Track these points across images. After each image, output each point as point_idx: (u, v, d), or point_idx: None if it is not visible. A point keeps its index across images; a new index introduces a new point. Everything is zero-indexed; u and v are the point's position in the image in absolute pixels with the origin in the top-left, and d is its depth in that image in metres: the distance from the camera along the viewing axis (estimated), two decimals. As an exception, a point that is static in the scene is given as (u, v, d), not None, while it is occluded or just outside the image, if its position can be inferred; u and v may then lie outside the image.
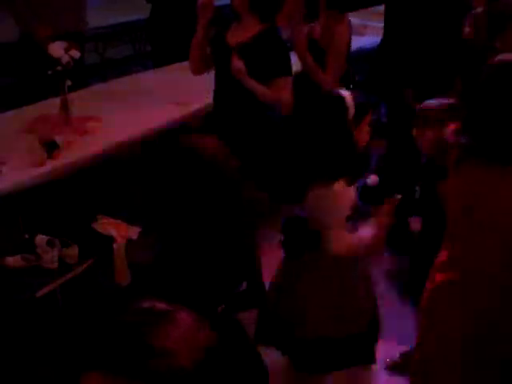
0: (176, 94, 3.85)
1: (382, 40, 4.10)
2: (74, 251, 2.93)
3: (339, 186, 2.29)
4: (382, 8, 6.92)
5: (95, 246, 3.00)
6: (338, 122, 2.33)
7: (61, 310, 2.93)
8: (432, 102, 2.67)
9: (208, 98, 3.76)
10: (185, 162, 2.11)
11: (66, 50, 3.12)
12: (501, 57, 1.89)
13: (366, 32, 5.75)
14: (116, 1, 7.01)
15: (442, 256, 2.08)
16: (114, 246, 3.03)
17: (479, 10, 3.44)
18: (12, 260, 2.89)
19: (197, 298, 2.08)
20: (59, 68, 3.11)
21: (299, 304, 2.41)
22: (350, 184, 2.32)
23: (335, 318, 2.40)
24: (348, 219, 2.35)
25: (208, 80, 4.12)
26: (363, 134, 2.39)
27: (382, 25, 6.03)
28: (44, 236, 2.94)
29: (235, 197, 2.15)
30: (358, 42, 5.46)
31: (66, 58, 3.09)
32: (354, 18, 6.13)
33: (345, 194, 2.31)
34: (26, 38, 4.07)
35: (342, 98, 2.34)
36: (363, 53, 5.87)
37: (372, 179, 2.74)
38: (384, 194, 2.67)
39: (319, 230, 2.34)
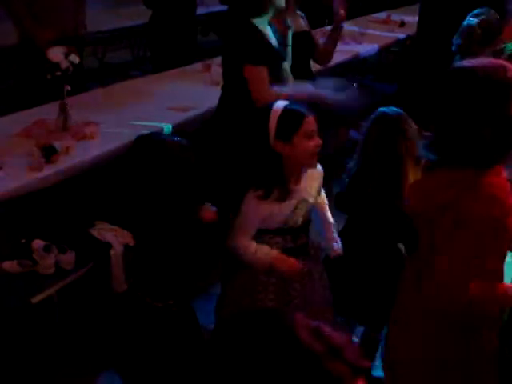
0: (174, 99, 3.85)
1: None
2: (70, 257, 2.92)
3: (251, 196, 2.35)
4: (380, 16, 6.99)
5: (92, 251, 2.99)
6: (257, 134, 2.35)
7: (57, 316, 2.92)
8: None
9: (207, 104, 3.77)
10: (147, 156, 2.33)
11: (66, 55, 3.11)
12: (458, 64, 1.91)
13: (364, 39, 5.77)
14: (115, 6, 7.03)
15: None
16: (111, 252, 3.02)
17: (475, 22, 3.47)
18: (8, 265, 2.87)
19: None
20: (58, 73, 3.10)
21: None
22: (263, 197, 2.33)
23: None
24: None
25: (206, 86, 4.14)
26: (298, 148, 2.32)
27: (380, 33, 6.08)
28: (41, 241, 2.93)
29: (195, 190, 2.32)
30: (355, 49, 5.49)
31: (65, 63, 3.09)
32: (352, 26, 6.18)
33: (254, 208, 2.35)
34: (26, 42, 4.07)
35: (268, 113, 2.33)
36: (360, 60, 5.90)
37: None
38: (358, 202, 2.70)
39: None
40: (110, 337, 2.41)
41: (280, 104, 2.35)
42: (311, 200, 2.47)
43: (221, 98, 3.26)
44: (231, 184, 2.87)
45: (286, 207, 2.37)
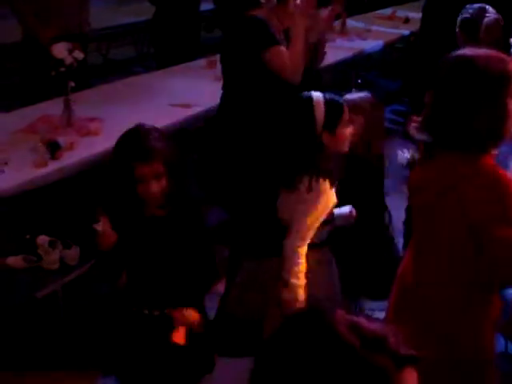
0: (178, 95, 3.85)
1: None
2: (75, 252, 2.93)
3: (321, 187, 2.30)
4: (385, 12, 6.98)
5: (97, 247, 2.99)
6: (303, 125, 2.33)
7: (62, 311, 2.93)
8: None
9: (210, 101, 3.77)
10: None
11: (70, 51, 3.11)
12: (457, 52, 1.91)
13: (368, 36, 5.76)
14: (119, 2, 7.03)
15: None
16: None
17: (491, 18, 3.47)
18: (13, 260, 2.89)
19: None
20: (62, 69, 3.11)
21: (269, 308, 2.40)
22: (331, 186, 2.33)
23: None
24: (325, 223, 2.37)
25: (210, 83, 4.14)
26: (343, 136, 2.37)
27: (385, 29, 6.08)
28: (45, 237, 2.94)
29: None
30: (360, 46, 5.49)
31: (69, 59, 3.09)
32: (358, 22, 6.18)
33: (326, 196, 2.32)
34: (30, 39, 4.08)
35: (310, 101, 2.33)
36: (366, 56, 5.90)
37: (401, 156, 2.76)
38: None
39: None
40: (109, 344, 2.37)
41: (319, 96, 2.36)
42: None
43: (223, 97, 3.24)
44: (246, 182, 2.86)
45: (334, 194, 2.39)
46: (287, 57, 2.97)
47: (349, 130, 2.39)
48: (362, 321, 0.95)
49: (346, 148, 2.43)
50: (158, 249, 2.21)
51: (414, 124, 2.11)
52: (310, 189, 2.29)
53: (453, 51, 1.92)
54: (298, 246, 2.31)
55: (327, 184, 2.31)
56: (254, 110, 3.07)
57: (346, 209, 2.56)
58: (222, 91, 3.25)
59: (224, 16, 3.16)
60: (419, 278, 1.97)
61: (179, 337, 2.14)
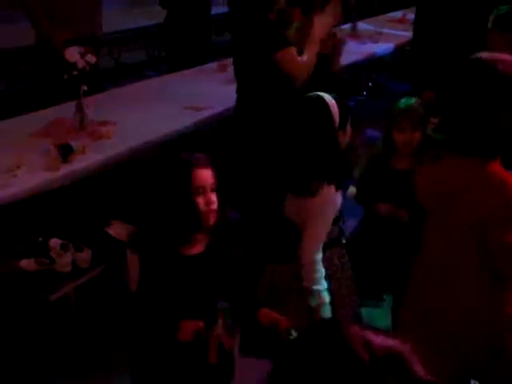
0: (190, 99, 3.86)
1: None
2: (87, 255, 2.94)
3: (327, 192, 2.31)
4: (396, 15, 6.97)
5: (108, 250, 3.01)
6: (325, 128, 2.33)
7: (74, 313, 2.94)
8: None
9: (222, 104, 3.78)
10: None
11: (82, 55, 3.13)
12: (476, 55, 1.90)
13: (381, 39, 5.75)
14: (130, 6, 7.06)
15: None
16: (128, 251, 3.03)
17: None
18: (26, 263, 2.90)
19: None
20: (75, 73, 3.12)
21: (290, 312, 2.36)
22: (337, 188, 2.35)
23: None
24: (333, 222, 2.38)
25: (222, 85, 4.15)
26: (346, 136, 2.40)
27: (396, 32, 6.06)
28: (58, 240, 2.95)
29: None
30: (372, 49, 5.48)
31: (81, 63, 3.11)
32: (369, 25, 6.17)
33: (332, 200, 2.34)
34: (43, 43, 4.10)
35: (324, 102, 2.33)
36: (377, 59, 5.89)
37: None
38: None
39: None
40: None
41: (329, 97, 2.37)
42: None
43: (238, 99, 3.25)
44: (259, 185, 2.86)
45: (339, 194, 2.41)
46: (297, 59, 3.00)
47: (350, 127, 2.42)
48: (376, 338, 0.94)
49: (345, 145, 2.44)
50: (200, 285, 2.04)
51: (431, 125, 2.11)
52: (317, 194, 2.29)
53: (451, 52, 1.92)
54: (315, 253, 2.32)
55: (333, 188, 2.32)
56: (267, 112, 3.08)
57: None
58: (236, 94, 3.27)
59: (238, 19, 3.16)
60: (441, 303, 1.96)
61: (213, 357, 2.06)
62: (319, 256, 2.33)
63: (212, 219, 1.95)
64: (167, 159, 2.00)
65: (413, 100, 2.75)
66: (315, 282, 2.32)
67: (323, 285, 2.32)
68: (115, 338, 3.06)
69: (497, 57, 1.85)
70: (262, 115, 3.10)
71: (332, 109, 2.32)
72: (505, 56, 1.87)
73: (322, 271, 2.33)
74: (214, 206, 1.94)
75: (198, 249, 2.01)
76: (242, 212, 3.35)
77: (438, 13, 3.86)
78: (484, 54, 1.89)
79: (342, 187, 2.38)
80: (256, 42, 3.05)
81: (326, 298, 2.32)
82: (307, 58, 3.04)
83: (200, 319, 1.97)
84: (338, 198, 2.38)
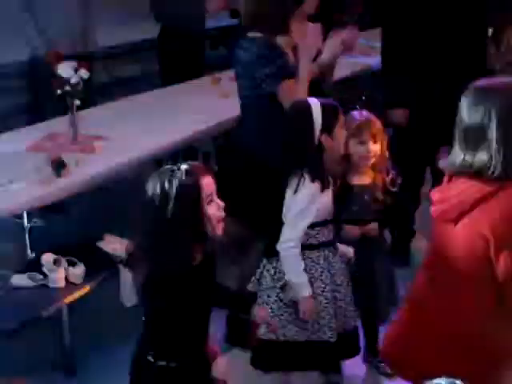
0: (184, 113, 3.87)
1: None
2: (80, 270, 2.93)
3: (308, 187, 2.39)
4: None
5: (101, 265, 3.00)
6: (303, 128, 2.44)
7: (67, 329, 2.93)
8: None
9: (216, 118, 3.79)
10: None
11: (76, 70, 3.13)
12: (485, 81, 1.92)
13: (372, 52, 5.77)
14: (124, 20, 7.08)
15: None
16: (120, 265, 3.03)
17: None
18: (18, 279, 2.89)
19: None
20: (68, 88, 3.13)
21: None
22: (322, 190, 2.42)
23: (295, 322, 2.49)
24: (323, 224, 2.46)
25: (216, 99, 4.16)
26: (338, 139, 2.46)
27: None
28: (51, 255, 2.94)
29: None
30: (365, 62, 5.50)
31: (75, 78, 3.11)
32: (361, 39, 6.19)
33: (313, 197, 2.41)
34: (36, 58, 4.11)
35: (307, 105, 2.45)
36: (370, 73, 5.91)
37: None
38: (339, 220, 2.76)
39: None
40: None
41: (315, 100, 2.48)
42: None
43: (241, 112, 3.26)
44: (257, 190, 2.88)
45: (329, 196, 2.49)
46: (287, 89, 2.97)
47: (344, 132, 2.50)
48: None
49: (341, 150, 2.54)
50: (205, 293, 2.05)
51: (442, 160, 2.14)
52: (297, 190, 2.40)
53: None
54: (292, 247, 2.42)
55: (315, 186, 2.40)
56: (267, 123, 3.07)
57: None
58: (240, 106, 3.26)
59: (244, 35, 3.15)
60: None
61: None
62: (297, 250, 2.43)
63: (220, 228, 1.97)
64: (169, 170, 1.95)
65: (366, 114, 2.80)
66: (295, 275, 2.43)
67: (302, 277, 2.42)
68: (109, 354, 3.05)
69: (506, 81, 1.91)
70: (261, 125, 3.10)
71: (314, 110, 2.41)
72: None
73: (301, 265, 2.42)
74: (223, 209, 1.96)
75: (199, 258, 2.00)
76: (244, 221, 3.36)
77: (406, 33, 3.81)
78: (494, 79, 1.94)
79: (328, 188, 2.45)
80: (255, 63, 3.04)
81: (306, 291, 2.42)
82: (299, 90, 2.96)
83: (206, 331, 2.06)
84: (325, 199, 2.43)
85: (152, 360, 2.00)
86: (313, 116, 2.42)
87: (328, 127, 2.43)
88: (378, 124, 2.76)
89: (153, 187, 1.93)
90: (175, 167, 1.95)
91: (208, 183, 1.95)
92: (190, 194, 1.90)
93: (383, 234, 2.89)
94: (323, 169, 2.45)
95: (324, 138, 2.44)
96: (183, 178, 1.91)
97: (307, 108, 2.45)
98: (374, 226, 2.74)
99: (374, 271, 2.80)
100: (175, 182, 1.90)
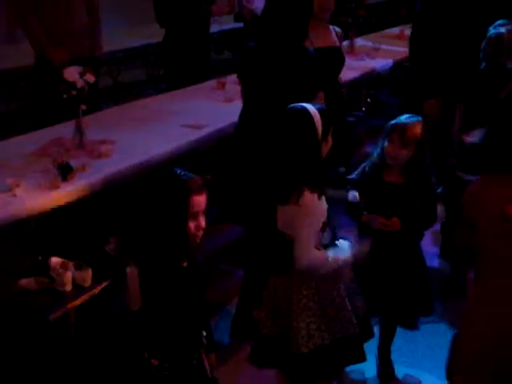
0: (189, 117, 3.88)
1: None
2: (87, 274, 2.93)
3: (310, 199, 2.34)
4: (393, 31, 7.02)
5: (109, 268, 3.00)
6: (309, 139, 2.37)
7: (74, 332, 2.93)
8: None
9: (221, 121, 3.80)
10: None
11: (81, 75, 3.15)
12: None
13: (377, 55, 5.78)
14: (129, 25, 7.11)
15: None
16: (127, 269, 3.03)
17: (505, 30, 3.46)
18: (26, 282, 2.89)
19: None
20: (74, 92, 3.14)
21: (292, 323, 2.43)
22: (320, 197, 2.38)
23: (321, 328, 2.44)
24: (322, 229, 2.42)
25: (221, 103, 4.17)
26: (327, 146, 2.43)
27: (394, 48, 6.10)
28: (58, 258, 2.95)
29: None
30: (370, 65, 5.51)
31: (80, 83, 3.12)
32: (367, 41, 6.21)
33: (316, 207, 2.37)
34: (42, 63, 4.12)
35: (308, 113, 2.37)
36: (375, 75, 5.92)
37: (352, 195, 2.79)
38: (364, 210, 2.76)
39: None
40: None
41: (312, 108, 2.41)
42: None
43: (242, 116, 3.27)
44: (257, 198, 2.88)
45: (323, 200, 2.44)
46: None
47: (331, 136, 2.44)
48: None
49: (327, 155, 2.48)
50: (192, 299, 2.08)
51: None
52: (301, 202, 2.33)
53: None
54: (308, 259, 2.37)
55: (316, 196, 2.36)
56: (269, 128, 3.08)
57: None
58: (241, 110, 3.27)
59: (272, 42, 3.14)
60: None
61: None
62: (315, 255, 2.39)
63: (198, 240, 2.00)
64: (165, 180, 1.99)
65: (415, 118, 2.77)
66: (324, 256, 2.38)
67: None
68: (115, 358, 3.05)
69: None
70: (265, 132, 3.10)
71: (315, 120, 2.36)
72: None
73: (328, 254, 2.40)
74: (202, 229, 1.99)
75: (185, 261, 2.03)
76: (244, 227, 3.36)
77: (434, 26, 3.89)
78: None
79: (323, 194, 2.41)
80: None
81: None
82: None
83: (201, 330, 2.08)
84: (323, 205, 2.42)
85: (147, 357, 2.03)
86: (315, 126, 2.35)
87: (325, 135, 2.38)
88: (413, 130, 2.73)
89: (148, 189, 1.98)
90: (174, 175, 1.98)
91: (198, 201, 1.95)
92: (175, 209, 1.93)
93: (407, 235, 2.84)
94: (322, 177, 2.41)
95: (323, 145, 2.39)
96: (173, 192, 1.94)
97: (309, 118, 2.36)
98: (394, 220, 2.71)
99: (388, 270, 2.78)
100: (167, 193, 1.94)
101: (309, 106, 2.40)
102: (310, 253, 2.36)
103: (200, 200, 1.96)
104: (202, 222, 1.99)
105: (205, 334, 2.14)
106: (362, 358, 2.58)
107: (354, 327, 2.49)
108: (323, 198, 2.42)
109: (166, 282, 1.98)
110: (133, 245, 2.02)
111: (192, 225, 1.96)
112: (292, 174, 2.36)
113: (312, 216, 2.37)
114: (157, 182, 1.98)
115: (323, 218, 2.43)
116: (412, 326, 2.90)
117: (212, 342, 2.19)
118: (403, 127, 2.73)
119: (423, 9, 4.11)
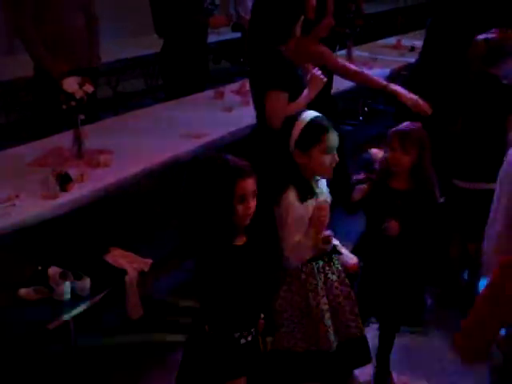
0: (187, 126, 3.89)
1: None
2: (86, 283, 2.94)
3: (288, 200, 2.39)
4: (390, 41, 7.05)
5: (107, 278, 3.01)
6: (282, 140, 2.45)
7: (73, 342, 2.94)
8: None
9: (219, 131, 3.81)
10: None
11: (80, 85, 3.17)
12: None
13: (374, 64, 5.81)
14: (128, 36, 7.14)
15: None
16: (126, 278, 3.04)
17: (480, 38, 3.46)
18: (25, 292, 2.90)
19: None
20: (73, 103, 3.16)
21: (275, 318, 2.45)
22: (301, 201, 2.41)
23: (300, 332, 2.46)
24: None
25: (219, 113, 4.19)
26: (314, 160, 2.42)
27: (391, 57, 6.13)
28: (57, 268, 2.96)
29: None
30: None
31: (79, 93, 3.14)
32: (364, 51, 6.24)
33: (293, 207, 2.40)
34: (41, 74, 4.14)
35: (295, 118, 2.45)
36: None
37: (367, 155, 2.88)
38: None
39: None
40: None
41: (308, 115, 2.46)
42: (329, 199, 2.55)
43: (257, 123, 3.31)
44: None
45: (310, 207, 2.45)
46: (279, 107, 3.03)
47: (329, 158, 2.43)
48: None
49: (325, 174, 2.50)
50: (249, 277, 2.19)
51: None
52: (280, 203, 2.40)
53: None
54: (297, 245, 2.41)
55: (294, 200, 2.40)
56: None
57: (349, 256, 2.62)
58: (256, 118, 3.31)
59: (256, 46, 3.19)
60: None
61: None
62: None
63: (247, 221, 2.13)
64: (213, 165, 2.10)
65: (414, 125, 2.80)
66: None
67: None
68: (115, 367, 3.05)
69: None
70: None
71: (296, 125, 2.43)
72: None
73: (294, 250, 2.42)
74: (251, 211, 2.12)
75: (242, 239, 2.17)
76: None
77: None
78: None
79: (305, 200, 2.44)
80: (262, 74, 3.11)
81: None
82: (291, 110, 2.94)
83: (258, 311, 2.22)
84: (303, 211, 2.42)
85: (207, 331, 2.15)
86: (292, 129, 2.43)
87: (302, 145, 2.42)
88: (413, 135, 2.76)
89: (194, 172, 2.12)
90: (223, 160, 2.10)
91: (246, 186, 2.08)
92: (221, 192, 2.05)
93: (406, 240, 2.85)
94: (298, 180, 2.44)
95: (296, 153, 2.43)
96: (221, 176, 2.06)
97: (292, 121, 2.46)
98: (392, 224, 2.73)
99: (383, 272, 2.80)
100: (213, 176, 2.07)
101: (308, 114, 2.46)
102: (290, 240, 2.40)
103: (247, 184, 2.08)
104: (252, 204, 2.11)
105: (262, 316, 2.23)
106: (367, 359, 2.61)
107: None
108: (306, 205, 2.43)
109: (221, 261, 2.09)
110: (188, 228, 2.14)
111: (240, 207, 2.08)
112: (269, 175, 2.41)
113: (288, 219, 2.40)
114: (206, 167, 2.10)
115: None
116: (416, 323, 2.91)
117: (272, 325, 2.30)
118: (403, 133, 2.75)
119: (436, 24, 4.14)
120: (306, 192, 2.44)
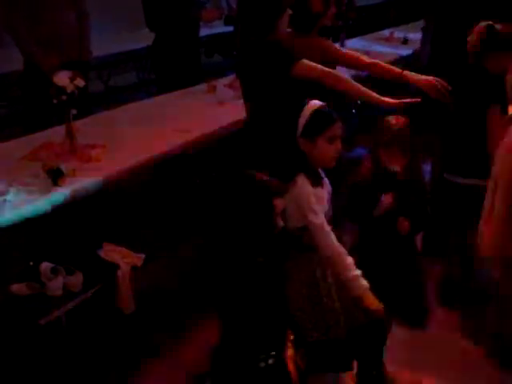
0: (179, 120, 3.88)
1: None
2: (78, 279, 2.93)
3: (303, 186, 2.45)
4: (383, 33, 7.04)
5: (100, 273, 3.00)
6: (289, 126, 2.50)
7: (65, 337, 2.93)
8: None
9: (211, 125, 3.80)
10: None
11: (71, 80, 3.14)
12: None
13: (368, 57, 5.79)
14: (119, 29, 7.10)
15: None
16: (119, 273, 3.03)
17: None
18: (17, 287, 2.89)
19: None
20: (64, 97, 3.14)
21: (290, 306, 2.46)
22: (313, 185, 2.47)
23: (311, 321, 2.47)
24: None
25: (211, 107, 4.17)
26: (319, 149, 2.47)
27: (383, 50, 6.12)
28: (48, 263, 2.95)
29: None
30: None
31: (71, 87, 3.12)
32: (357, 44, 6.23)
33: (309, 192, 2.44)
34: (31, 68, 4.12)
35: (303, 106, 2.50)
36: (365, 77, 5.93)
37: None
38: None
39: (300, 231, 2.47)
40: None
41: (316, 104, 2.51)
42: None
43: (248, 118, 3.28)
44: None
45: (323, 193, 2.51)
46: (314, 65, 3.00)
47: (332, 148, 2.48)
48: None
49: (328, 163, 2.53)
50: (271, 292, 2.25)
51: None
52: (293, 184, 2.44)
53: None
54: (329, 241, 2.43)
55: (306, 183, 2.45)
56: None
57: None
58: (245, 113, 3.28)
59: (244, 39, 3.17)
60: None
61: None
62: (335, 242, 2.42)
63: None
64: (248, 184, 2.20)
65: (399, 119, 2.83)
66: (348, 268, 2.39)
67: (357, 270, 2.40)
68: (107, 362, 3.05)
69: None
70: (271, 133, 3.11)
71: (303, 113, 2.48)
72: None
73: (349, 258, 2.41)
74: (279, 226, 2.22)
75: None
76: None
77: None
78: None
79: (319, 185, 2.50)
80: (267, 64, 3.04)
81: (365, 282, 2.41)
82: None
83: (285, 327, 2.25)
84: (318, 195, 2.47)
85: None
86: (299, 116, 2.48)
87: (308, 133, 2.47)
88: (397, 127, 2.82)
89: (233, 190, 2.20)
90: (255, 179, 2.19)
91: (279, 204, 2.18)
92: (261, 213, 2.16)
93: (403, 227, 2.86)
94: (303, 167, 2.48)
95: (302, 141, 2.48)
96: (259, 195, 2.16)
97: (301, 107, 2.50)
98: (387, 197, 2.77)
99: (383, 271, 2.81)
100: (250, 197, 2.17)
101: (315, 103, 2.51)
102: (329, 243, 2.42)
103: (280, 202, 2.19)
104: (279, 221, 2.21)
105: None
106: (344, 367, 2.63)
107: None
108: (320, 189, 2.49)
109: (244, 275, 2.14)
110: (218, 241, 2.25)
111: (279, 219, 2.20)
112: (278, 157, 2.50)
113: (303, 199, 2.43)
114: (242, 186, 2.20)
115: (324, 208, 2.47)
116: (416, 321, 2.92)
117: (301, 338, 2.33)
118: (388, 143, 2.81)
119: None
120: (315, 179, 2.49)
